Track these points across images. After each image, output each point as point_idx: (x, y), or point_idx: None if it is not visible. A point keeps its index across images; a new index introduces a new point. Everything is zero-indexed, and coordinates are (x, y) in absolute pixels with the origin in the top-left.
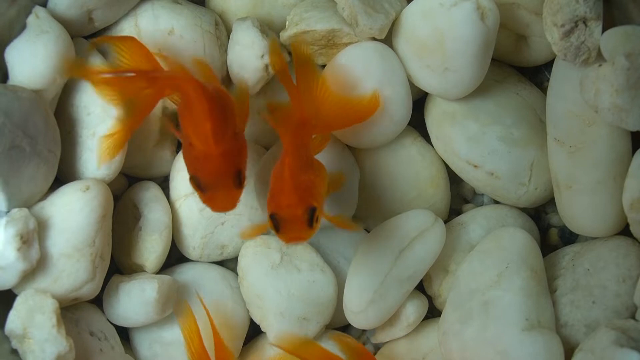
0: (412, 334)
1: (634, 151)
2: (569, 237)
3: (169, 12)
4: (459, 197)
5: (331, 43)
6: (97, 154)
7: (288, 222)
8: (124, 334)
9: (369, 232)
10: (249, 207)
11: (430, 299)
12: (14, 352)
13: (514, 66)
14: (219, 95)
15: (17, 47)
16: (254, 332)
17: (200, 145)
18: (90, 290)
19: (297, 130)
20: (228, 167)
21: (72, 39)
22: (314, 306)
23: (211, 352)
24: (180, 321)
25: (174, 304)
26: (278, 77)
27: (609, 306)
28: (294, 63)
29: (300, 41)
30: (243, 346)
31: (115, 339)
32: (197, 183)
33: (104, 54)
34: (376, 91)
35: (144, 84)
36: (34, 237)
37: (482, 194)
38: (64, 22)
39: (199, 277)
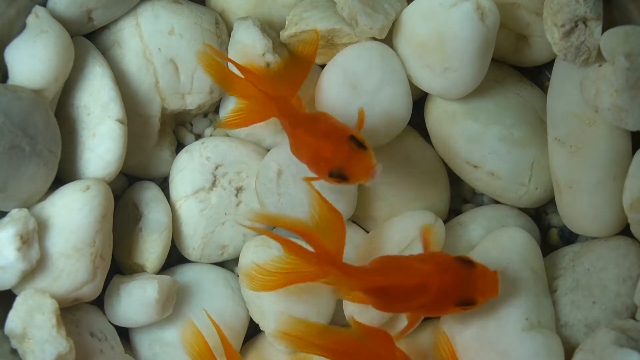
0: (412, 333)
1: (634, 151)
2: (569, 237)
3: (169, 11)
4: (459, 197)
5: (331, 43)
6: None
7: (348, 165)
8: (124, 334)
9: (368, 232)
10: (249, 208)
11: None
12: (14, 352)
13: (514, 66)
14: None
15: (17, 47)
16: (253, 331)
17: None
18: (91, 290)
19: (279, 106)
20: None
21: (71, 38)
22: (313, 306)
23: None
24: (185, 339)
25: (174, 307)
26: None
27: (609, 306)
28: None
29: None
30: (242, 344)
31: (116, 339)
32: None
33: None
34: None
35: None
36: (33, 237)
37: (482, 194)
38: (64, 22)
39: (200, 278)
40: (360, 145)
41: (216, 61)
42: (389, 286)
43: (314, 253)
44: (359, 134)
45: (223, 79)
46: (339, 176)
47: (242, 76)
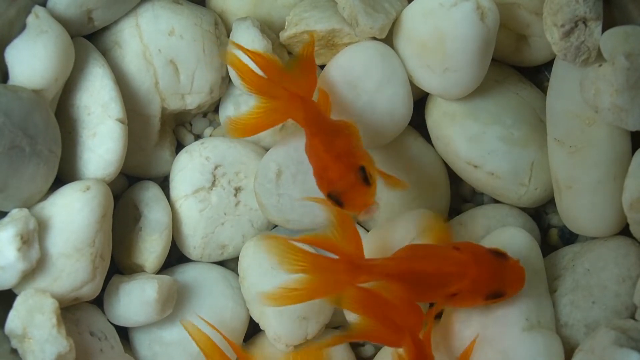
0: None
1: (633, 151)
2: (569, 237)
3: (169, 12)
4: (459, 196)
5: (331, 43)
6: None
7: (347, 193)
8: (124, 333)
9: (368, 232)
10: (248, 208)
11: None
12: (14, 352)
13: (514, 66)
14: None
15: (17, 47)
16: (253, 330)
17: None
18: (90, 290)
19: (305, 106)
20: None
21: (72, 38)
22: (313, 305)
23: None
24: (194, 338)
25: (174, 306)
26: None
27: (609, 306)
28: None
29: None
30: (242, 344)
31: (115, 338)
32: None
33: None
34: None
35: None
36: (34, 237)
37: (482, 194)
38: (64, 22)
39: (200, 277)
40: (366, 179)
41: (239, 60)
42: (427, 273)
43: (339, 260)
44: (372, 166)
45: (245, 78)
46: (336, 200)
47: (265, 76)
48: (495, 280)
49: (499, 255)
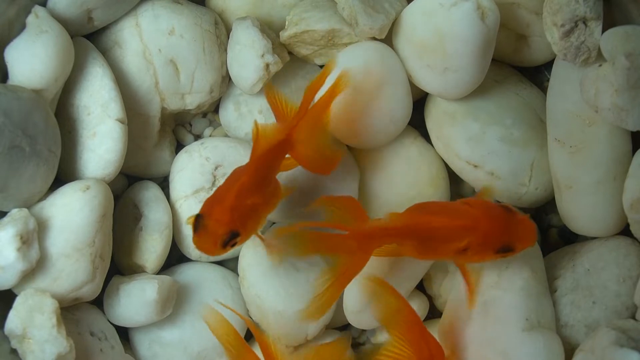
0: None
1: (634, 151)
2: (569, 237)
3: (169, 11)
4: (459, 196)
5: (331, 43)
6: (306, 311)
7: (205, 233)
8: (124, 333)
9: None
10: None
11: (430, 299)
12: (14, 352)
13: (514, 66)
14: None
15: (17, 47)
16: None
17: None
18: (90, 290)
19: (273, 149)
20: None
21: (71, 38)
22: None
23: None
24: (212, 327)
25: (174, 307)
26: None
27: (609, 306)
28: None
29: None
30: None
31: (116, 339)
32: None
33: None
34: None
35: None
36: (33, 237)
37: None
38: (64, 22)
39: (200, 277)
40: (225, 243)
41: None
42: (438, 227)
43: (348, 235)
44: (247, 236)
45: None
46: (194, 224)
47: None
48: (506, 234)
49: (508, 210)
